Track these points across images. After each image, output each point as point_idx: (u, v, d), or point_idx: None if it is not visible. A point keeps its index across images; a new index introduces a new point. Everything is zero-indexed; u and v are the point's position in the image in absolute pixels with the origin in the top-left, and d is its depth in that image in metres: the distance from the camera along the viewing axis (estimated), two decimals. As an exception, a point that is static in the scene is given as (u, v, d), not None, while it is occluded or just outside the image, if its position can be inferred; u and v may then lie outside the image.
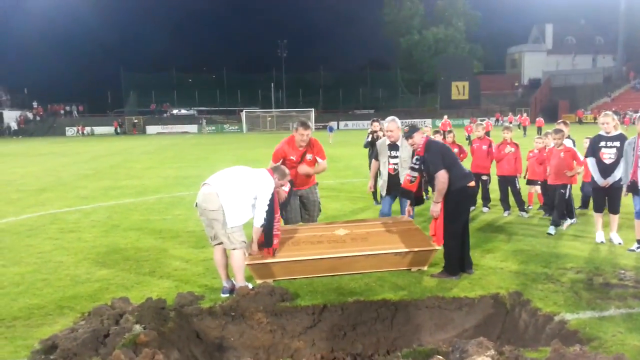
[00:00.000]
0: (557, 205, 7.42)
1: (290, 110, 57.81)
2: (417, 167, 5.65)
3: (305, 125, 6.24)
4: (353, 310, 4.78)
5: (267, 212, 5.08)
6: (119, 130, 57.80)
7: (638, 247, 6.36)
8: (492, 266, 5.77)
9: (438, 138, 9.35)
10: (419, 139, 5.63)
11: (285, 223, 6.40)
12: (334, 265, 5.51)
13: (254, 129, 56.18)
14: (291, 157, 6.29)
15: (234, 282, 5.28)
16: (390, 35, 74.70)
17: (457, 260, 5.44)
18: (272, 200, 5.13)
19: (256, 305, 4.66)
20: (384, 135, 9.99)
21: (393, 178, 6.71)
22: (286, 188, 5.54)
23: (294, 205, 6.41)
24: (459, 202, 5.46)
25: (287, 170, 5.44)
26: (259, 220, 5.06)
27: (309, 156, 6.36)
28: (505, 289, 5.01)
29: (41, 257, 6.60)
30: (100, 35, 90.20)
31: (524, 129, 35.30)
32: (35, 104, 62.32)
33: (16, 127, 56.16)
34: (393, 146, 6.73)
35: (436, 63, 68.16)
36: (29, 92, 65.59)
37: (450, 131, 10.07)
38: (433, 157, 5.47)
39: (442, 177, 5.34)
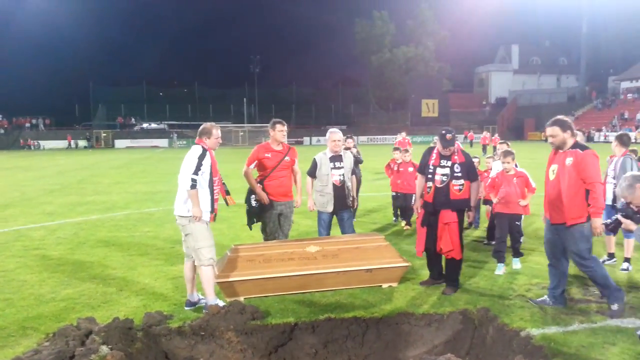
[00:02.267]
0: (515, 241, 6.71)
1: (263, 126, 57.69)
2: (460, 174, 5.60)
3: (281, 122, 6.37)
4: (324, 328, 4.78)
5: (201, 174, 4.96)
6: (72, 144, 56.34)
7: (606, 260, 6.55)
8: (461, 282, 5.85)
9: (397, 155, 9.61)
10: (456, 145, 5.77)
11: (266, 238, 6.37)
12: (305, 283, 5.51)
13: (226, 143, 55.83)
14: (266, 155, 6.26)
15: (199, 296, 5.31)
16: (362, 53, 75.67)
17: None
18: (201, 161, 4.98)
19: (226, 324, 4.62)
20: (357, 152, 10.12)
21: (339, 190, 6.54)
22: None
23: (274, 219, 6.35)
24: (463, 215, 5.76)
25: (206, 126, 5.22)
26: (186, 182, 4.93)
27: (287, 158, 6.35)
28: (474, 305, 5.09)
29: (4, 276, 6.40)
30: (70, 47, 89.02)
31: (484, 147, 35.41)
32: (-1, 117, 60.76)
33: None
34: (336, 157, 6.62)
35: (407, 81, 69.32)
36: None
37: (407, 150, 9.78)
38: (472, 165, 5.77)
39: (479, 183, 5.77)
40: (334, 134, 6.66)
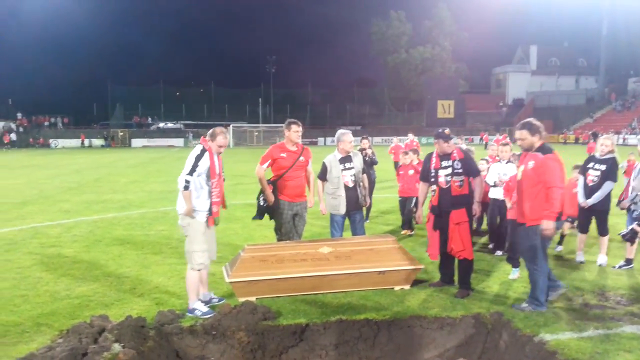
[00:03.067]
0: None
1: (277, 126, 57.85)
2: (461, 170, 5.67)
3: (296, 122, 6.37)
4: (336, 330, 4.77)
5: (196, 175, 4.95)
6: (85, 143, 56.60)
7: (623, 265, 6.47)
8: (474, 286, 5.79)
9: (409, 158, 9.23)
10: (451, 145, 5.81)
11: (280, 238, 6.38)
12: (317, 284, 5.51)
13: (241, 143, 56.12)
14: (282, 155, 6.27)
15: (211, 295, 5.38)
16: (378, 53, 75.49)
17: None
18: (197, 162, 4.96)
19: (237, 323, 4.64)
20: (372, 153, 10.06)
21: (351, 191, 6.53)
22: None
23: (289, 220, 6.35)
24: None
25: (216, 129, 5.22)
26: (180, 182, 4.94)
27: (301, 158, 6.35)
28: (487, 309, 5.04)
29: (20, 273, 6.50)
30: (88, 47, 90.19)
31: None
32: (19, 115, 61.65)
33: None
34: (346, 158, 6.60)
35: (423, 81, 68.94)
36: (14, 103, 64.94)
37: (406, 152, 9.32)
38: (472, 160, 5.82)
39: (482, 178, 5.77)
40: (347, 134, 6.64)
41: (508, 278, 6.17)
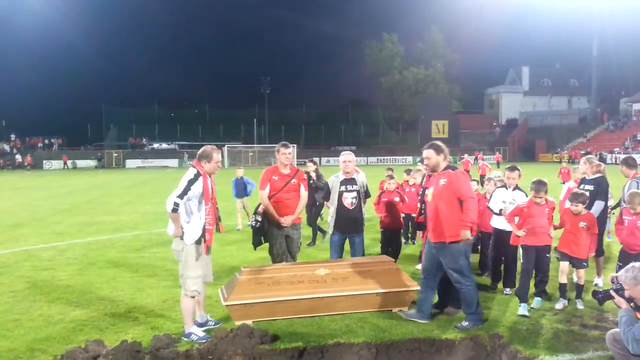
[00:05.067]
0: (542, 277, 6.03)
1: (272, 146, 57.97)
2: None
3: (285, 145, 6.40)
4: (333, 353, 4.71)
5: (187, 199, 4.81)
6: (68, 165, 55.73)
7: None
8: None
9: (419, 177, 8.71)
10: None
11: (273, 260, 6.35)
12: (315, 306, 5.46)
13: (236, 164, 56.11)
14: (273, 177, 6.31)
15: (207, 317, 5.33)
16: (372, 74, 76.26)
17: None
18: (189, 186, 4.82)
19: (234, 348, 4.57)
20: (318, 177, 9.40)
21: (351, 213, 6.51)
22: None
23: (280, 241, 6.33)
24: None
25: (207, 149, 5.06)
26: (169, 204, 4.77)
27: (293, 181, 6.35)
28: (485, 331, 5.01)
29: (13, 297, 6.41)
30: (83, 68, 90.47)
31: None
32: (12, 136, 61.52)
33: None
34: (348, 180, 6.60)
35: (416, 102, 69.53)
36: (7, 124, 64.87)
37: (391, 177, 8.20)
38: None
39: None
40: (343, 155, 6.69)
41: (517, 315, 5.57)
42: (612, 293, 3.96)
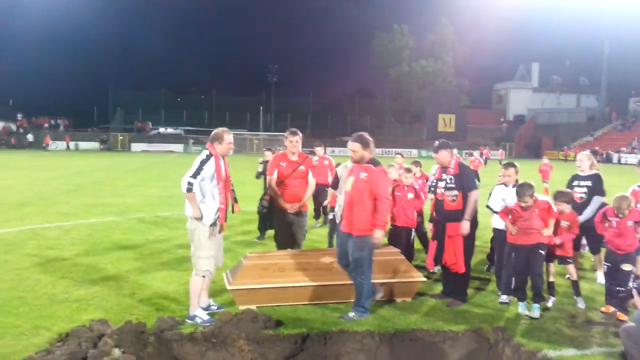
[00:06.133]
0: (536, 283, 5.55)
1: (278, 134, 58.03)
2: (453, 185, 5.66)
3: (293, 133, 6.37)
4: (337, 340, 4.72)
5: (200, 179, 4.91)
6: (70, 146, 55.58)
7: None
8: (477, 301, 5.75)
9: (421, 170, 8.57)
10: (447, 156, 5.74)
11: (278, 247, 6.36)
12: (319, 294, 5.47)
13: (241, 151, 56.10)
14: (281, 164, 6.31)
15: (210, 302, 5.35)
16: (380, 65, 75.76)
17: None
18: (202, 166, 4.93)
19: (238, 332, 4.58)
20: None
21: None
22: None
23: (285, 226, 6.32)
24: (475, 228, 5.72)
25: (218, 131, 5.18)
26: (184, 184, 4.90)
27: (301, 167, 6.35)
28: (489, 324, 5.00)
29: (18, 274, 6.44)
30: (91, 49, 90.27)
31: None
32: (19, 116, 61.62)
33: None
34: None
35: (424, 95, 69.15)
36: (14, 104, 64.96)
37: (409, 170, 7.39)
38: (469, 176, 5.73)
39: (476, 195, 5.56)
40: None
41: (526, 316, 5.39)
42: (634, 292, 4.01)
